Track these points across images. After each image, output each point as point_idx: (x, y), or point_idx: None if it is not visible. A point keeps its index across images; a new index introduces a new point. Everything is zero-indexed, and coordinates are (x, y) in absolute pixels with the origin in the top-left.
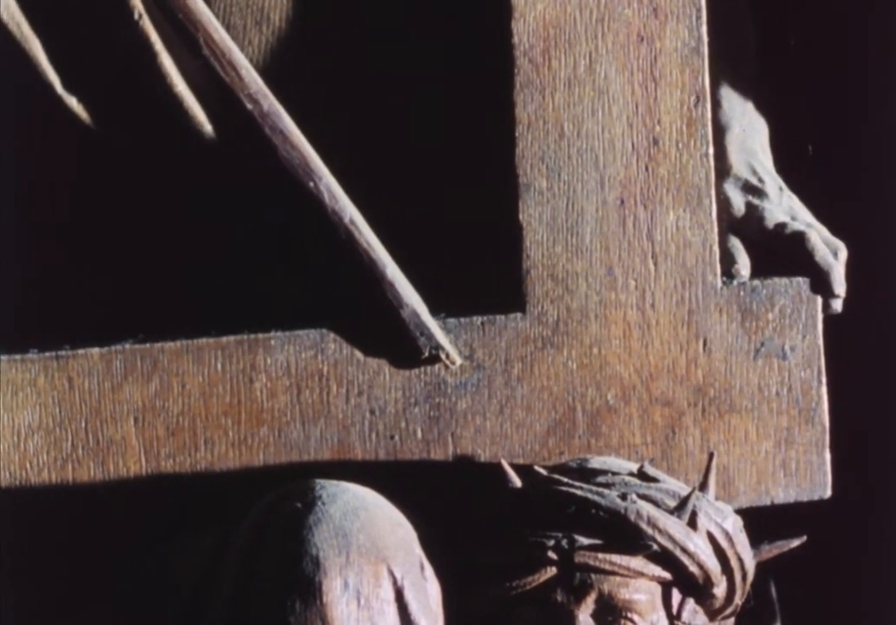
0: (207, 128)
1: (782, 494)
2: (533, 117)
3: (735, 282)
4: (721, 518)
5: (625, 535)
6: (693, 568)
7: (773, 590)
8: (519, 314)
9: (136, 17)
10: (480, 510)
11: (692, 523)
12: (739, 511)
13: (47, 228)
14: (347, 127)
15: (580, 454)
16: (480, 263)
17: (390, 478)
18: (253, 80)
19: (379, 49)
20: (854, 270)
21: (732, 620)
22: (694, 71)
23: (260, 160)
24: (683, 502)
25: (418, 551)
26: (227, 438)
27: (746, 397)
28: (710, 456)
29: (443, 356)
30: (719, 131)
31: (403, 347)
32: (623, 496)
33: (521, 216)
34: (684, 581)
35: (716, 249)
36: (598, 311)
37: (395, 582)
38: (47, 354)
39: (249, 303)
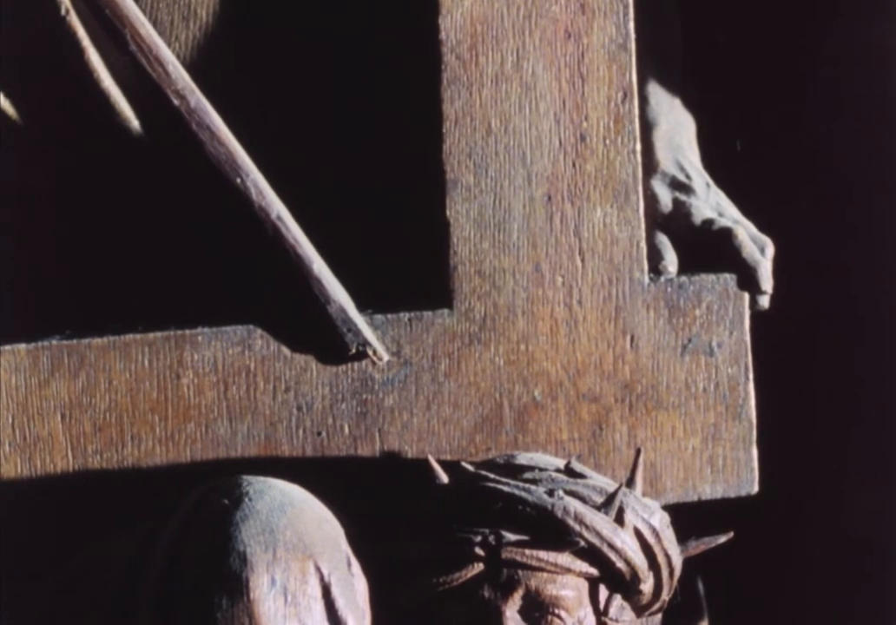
0: (134, 123)
1: (709, 490)
2: (460, 113)
3: (662, 278)
4: (648, 514)
5: (552, 531)
6: (620, 564)
7: (700, 586)
8: (446, 311)
9: (62, 12)
10: (407, 506)
11: (619, 520)
12: (666, 507)
13: None
14: (275, 123)
15: (507, 450)
16: (407, 260)
17: (317, 474)
18: (180, 76)
19: (306, 45)
20: (781, 267)
21: (660, 616)
22: (621, 67)
23: (187, 156)
24: (610, 498)
25: (345, 547)
26: (154, 434)
27: (673, 394)
28: (637, 452)
29: (370, 352)
30: (647, 128)
31: (330, 344)
32: (550, 492)
33: (448, 212)
34: (611, 577)
35: (643, 245)
36: (526, 307)
37: (322, 578)
38: None
39: (176, 299)
